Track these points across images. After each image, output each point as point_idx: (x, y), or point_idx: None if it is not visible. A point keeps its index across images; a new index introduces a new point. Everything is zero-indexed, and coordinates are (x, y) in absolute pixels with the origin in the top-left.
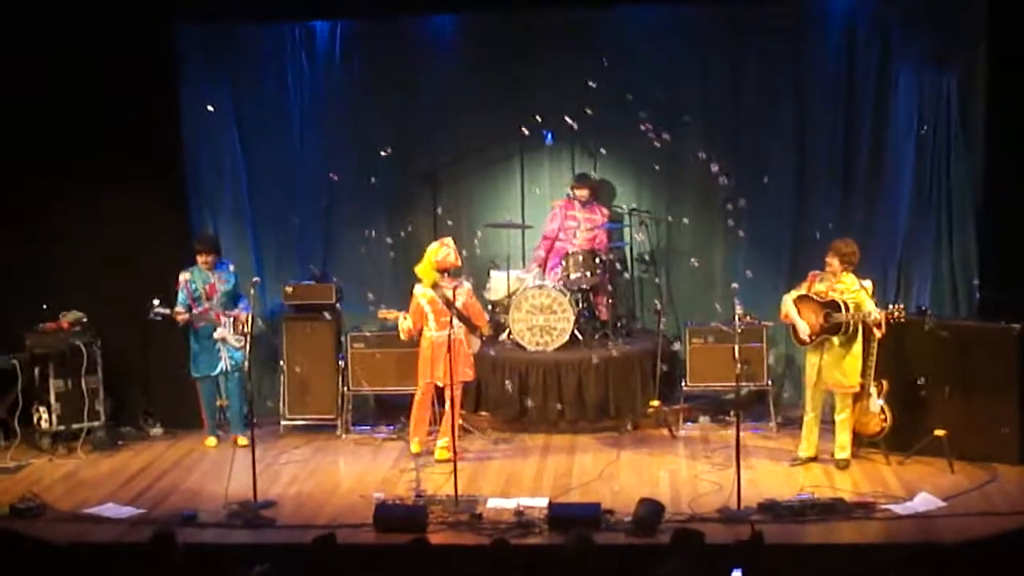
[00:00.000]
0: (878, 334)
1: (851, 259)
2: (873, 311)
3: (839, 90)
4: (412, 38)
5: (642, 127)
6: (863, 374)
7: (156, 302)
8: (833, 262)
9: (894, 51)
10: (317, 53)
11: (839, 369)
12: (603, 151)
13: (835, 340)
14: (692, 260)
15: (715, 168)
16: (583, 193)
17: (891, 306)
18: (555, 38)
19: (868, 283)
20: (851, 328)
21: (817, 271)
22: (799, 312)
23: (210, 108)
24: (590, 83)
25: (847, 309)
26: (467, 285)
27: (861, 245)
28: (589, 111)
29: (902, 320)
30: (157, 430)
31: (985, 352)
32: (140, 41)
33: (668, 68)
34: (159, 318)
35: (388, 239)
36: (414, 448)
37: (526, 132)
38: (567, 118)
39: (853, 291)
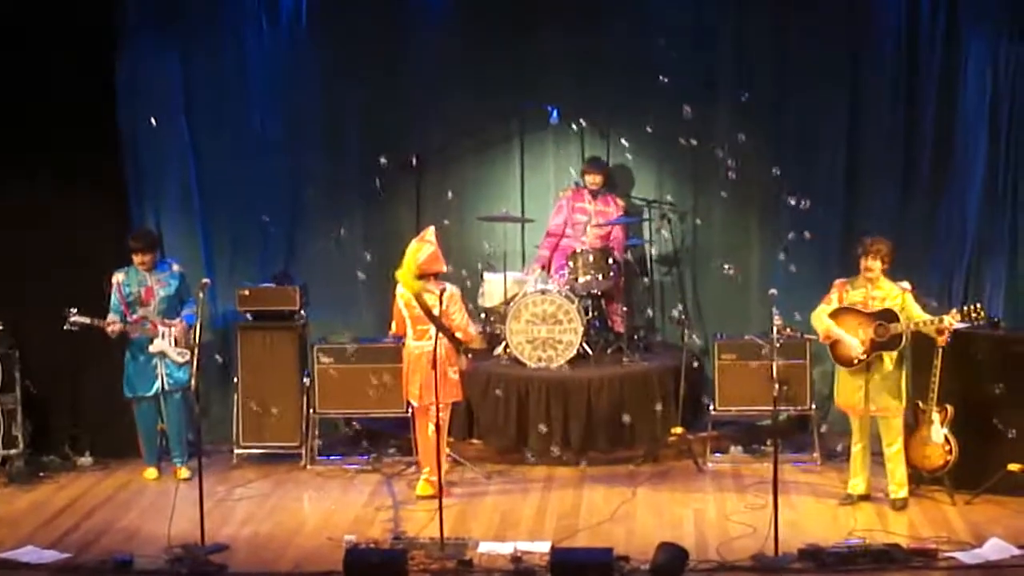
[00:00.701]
0: (940, 342)
1: (891, 260)
2: (925, 316)
3: (899, 67)
4: (393, 3)
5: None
6: (923, 398)
7: (73, 310)
8: (874, 265)
9: (963, 21)
10: (281, 21)
11: (889, 391)
12: (625, 142)
13: (886, 357)
14: (725, 266)
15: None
16: (595, 180)
17: (967, 307)
18: (563, 2)
19: (906, 283)
20: (908, 340)
21: (843, 279)
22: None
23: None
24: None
25: (892, 318)
26: (452, 289)
27: (923, 245)
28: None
29: (981, 321)
30: (86, 459)
31: None
32: (70, 5)
33: (697, 38)
34: (75, 328)
35: (363, 236)
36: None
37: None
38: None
39: (895, 296)
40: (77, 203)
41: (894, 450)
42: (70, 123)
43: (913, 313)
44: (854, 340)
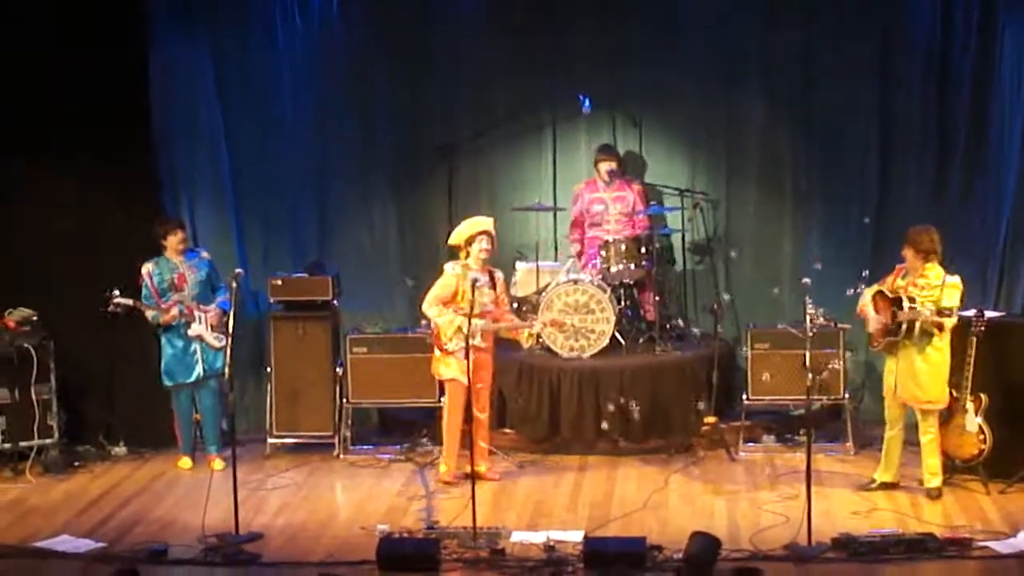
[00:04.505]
0: (937, 339)
1: (930, 249)
2: (924, 310)
3: (932, 46)
4: None
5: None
6: (957, 387)
7: (116, 292)
8: (907, 253)
9: (998, 8)
10: (312, 9)
11: (914, 380)
12: (657, 131)
13: (912, 347)
14: (732, 252)
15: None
16: (608, 166)
17: (975, 314)
18: None
19: (955, 278)
20: (914, 330)
21: (902, 264)
22: (876, 309)
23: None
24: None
25: (910, 304)
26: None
27: (957, 233)
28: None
29: (981, 330)
30: (120, 449)
31: None
32: None
33: (727, 27)
34: (118, 310)
35: (396, 226)
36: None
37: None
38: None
39: (934, 287)
40: (110, 194)
41: (926, 440)
42: (102, 114)
43: (940, 306)
44: (874, 319)
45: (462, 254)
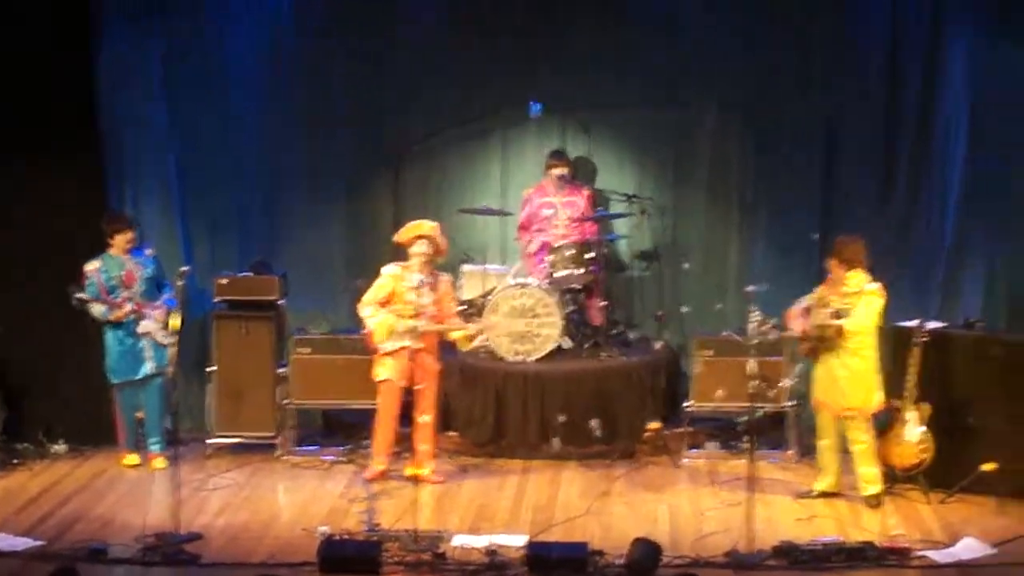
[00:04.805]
0: (860, 346)
1: (852, 258)
2: (821, 313)
3: (880, 68)
4: None
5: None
6: (899, 396)
7: (77, 287)
8: (832, 263)
9: (946, 13)
10: (264, 9)
11: (836, 387)
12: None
13: (830, 352)
14: (684, 264)
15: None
16: (559, 172)
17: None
18: None
19: (875, 286)
20: (826, 336)
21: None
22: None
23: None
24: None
25: (818, 311)
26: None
27: (902, 245)
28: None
29: (923, 340)
30: (60, 447)
31: None
32: None
33: (676, 34)
34: (81, 306)
35: (343, 227)
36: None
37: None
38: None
39: (853, 294)
40: (54, 191)
41: (857, 449)
42: (49, 110)
43: (853, 315)
44: (796, 324)
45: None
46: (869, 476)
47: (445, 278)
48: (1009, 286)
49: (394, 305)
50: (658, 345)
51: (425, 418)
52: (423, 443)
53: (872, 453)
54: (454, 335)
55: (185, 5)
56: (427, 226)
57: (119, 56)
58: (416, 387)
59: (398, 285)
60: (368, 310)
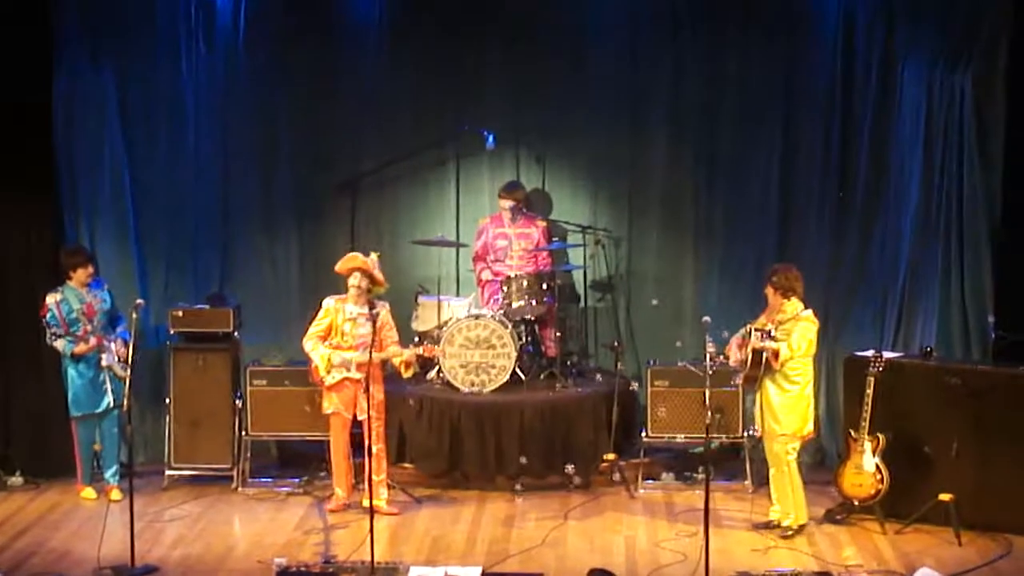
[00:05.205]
0: (793, 372)
1: (787, 287)
2: (754, 337)
3: (833, 93)
4: (330, 21)
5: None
6: (855, 426)
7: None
8: (768, 291)
9: (898, 48)
10: (217, 36)
11: (771, 412)
12: (559, 167)
13: (767, 379)
14: (654, 301)
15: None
16: (510, 204)
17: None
18: (500, 26)
19: (808, 312)
20: (761, 362)
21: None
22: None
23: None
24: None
25: (753, 336)
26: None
27: (857, 274)
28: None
29: (879, 369)
30: (16, 479)
31: (1000, 402)
32: (5, 21)
33: (632, 66)
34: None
35: (297, 259)
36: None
37: (464, 128)
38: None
39: (788, 319)
40: (9, 221)
41: (772, 473)
42: (5, 145)
43: (791, 338)
44: (735, 354)
45: None
46: (787, 507)
47: (383, 308)
48: (964, 315)
49: (333, 338)
50: (610, 377)
51: (374, 448)
52: (375, 473)
53: (783, 481)
54: (394, 362)
55: (139, 37)
56: (360, 259)
57: (75, 87)
58: (360, 418)
59: (336, 317)
60: (309, 344)
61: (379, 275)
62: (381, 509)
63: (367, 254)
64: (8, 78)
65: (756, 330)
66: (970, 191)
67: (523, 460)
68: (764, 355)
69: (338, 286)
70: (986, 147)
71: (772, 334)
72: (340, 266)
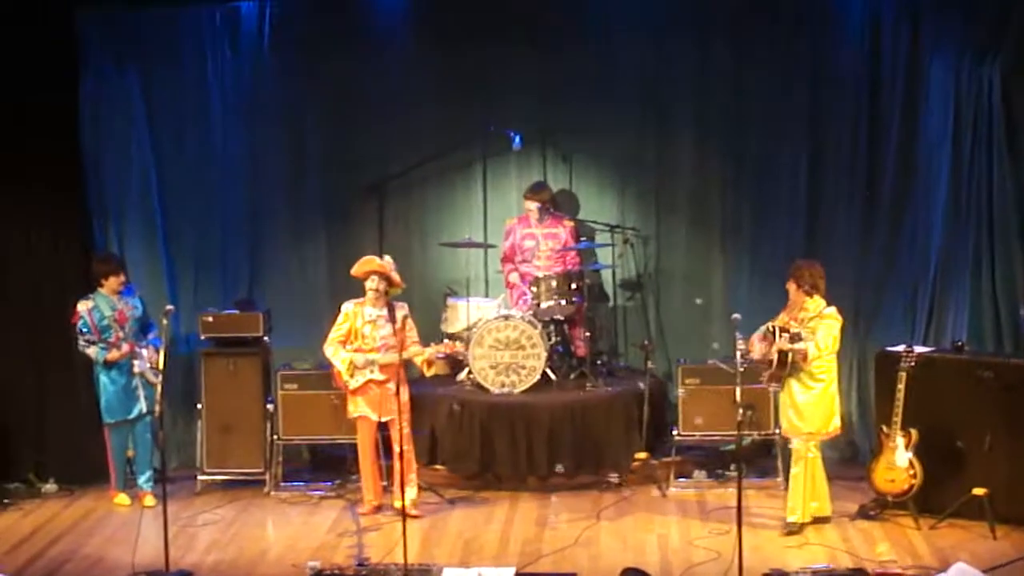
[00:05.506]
0: (818, 370)
1: (811, 283)
2: (782, 339)
3: (860, 87)
4: (355, 24)
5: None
6: (887, 422)
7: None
8: (790, 287)
9: (925, 40)
10: (242, 40)
11: (796, 411)
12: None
13: (791, 378)
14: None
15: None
16: (536, 206)
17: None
18: (525, 26)
19: (832, 309)
20: (787, 362)
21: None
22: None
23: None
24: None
25: (782, 334)
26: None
27: (887, 267)
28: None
29: (911, 364)
30: (51, 486)
31: None
32: (30, 25)
33: (659, 64)
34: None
35: (326, 262)
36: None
37: (491, 129)
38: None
39: (812, 318)
40: (39, 227)
41: (792, 473)
42: (32, 146)
43: (816, 337)
44: (758, 349)
45: None
46: (795, 504)
47: (402, 308)
48: (995, 307)
49: (353, 342)
50: (644, 376)
51: (400, 449)
52: (400, 474)
53: (799, 481)
54: (417, 360)
55: (164, 43)
56: (376, 262)
57: (102, 92)
58: (384, 419)
59: (355, 321)
60: (331, 349)
61: (396, 276)
62: (408, 512)
63: (381, 256)
64: (34, 81)
65: (778, 328)
66: (999, 183)
67: (560, 468)
68: (790, 355)
69: (364, 289)
70: (1015, 139)
71: (801, 336)
72: (356, 270)
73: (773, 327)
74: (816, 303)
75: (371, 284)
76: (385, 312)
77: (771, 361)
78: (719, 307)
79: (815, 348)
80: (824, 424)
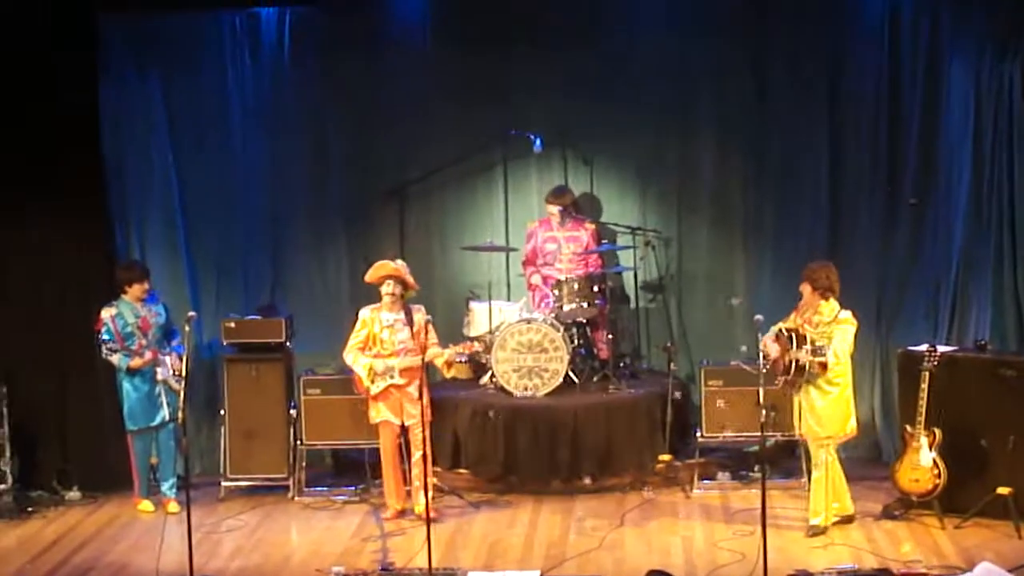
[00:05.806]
0: (834, 374)
1: (826, 286)
2: (801, 351)
3: (881, 84)
4: (375, 29)
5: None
6: (911, 422)
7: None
8: (804, 289)
9: (945, 38)
10: (262, 46)
11: (813, 415)
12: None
13: (807, 382)
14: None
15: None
16: (557, 210)
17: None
18: (544, 29)
19: (847, 314)
20: (804, 369)
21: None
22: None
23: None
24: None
25: (799, 343)
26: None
27: (909, 266)
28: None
29: (934, 364)
30: (74, 494)
31: None
32: (51, 31)
33: (679, 66)
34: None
35: (347, 267)
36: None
37: (512, 132)
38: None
39: (827, 323)
40: (61, 234)
41: (816, 476)
42: (53, 152)
43: (833, 341)
44: (773, 350)
45: None
46: (818, 507)
47: (419, 311)
48: (1018, 306)
49: (372, 347)
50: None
51: (417, 454)
52: (417, 479)
53: (826, 483)
54: (437, 362)
55: (184, 49)
56: (391, 266)
57: (123, 99)
58: (406, 423)
59: (373, 327)
60: (350, 356)
61: (410, 279)
62: (419, 515)
63: (394, 260)
64: (55, 87)
65: (793, 335)
66: (1021, 180)
67: (587, 480)
68: (808, 366)
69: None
70: None
71: (822, 350)
72: (370, 275)
73: (786, 330)
74: (831, 306)
75: (386, 288)
76: (402, 316)
77: (787, 367)
78: (742, 307)
79: (833, 357)
80: (841, 427)
